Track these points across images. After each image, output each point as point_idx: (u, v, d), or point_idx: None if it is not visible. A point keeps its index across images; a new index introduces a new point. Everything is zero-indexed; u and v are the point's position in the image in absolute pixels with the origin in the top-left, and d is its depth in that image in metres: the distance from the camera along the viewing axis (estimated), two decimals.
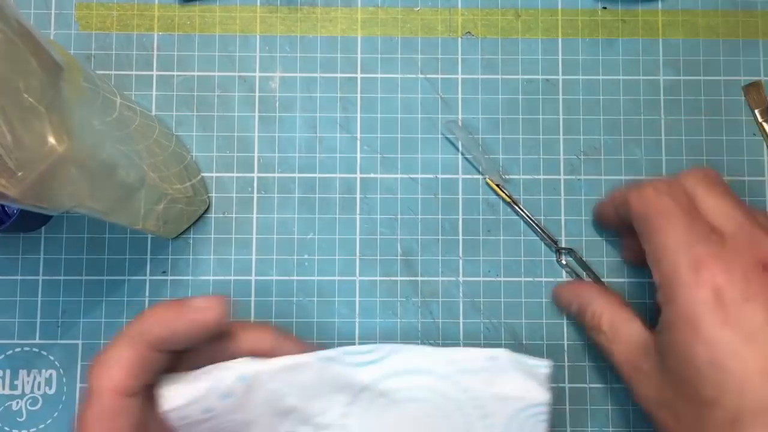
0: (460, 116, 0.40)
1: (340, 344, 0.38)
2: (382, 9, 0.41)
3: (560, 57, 0.40)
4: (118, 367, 0.28)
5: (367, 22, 0.40)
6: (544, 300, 0.39)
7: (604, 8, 0.41)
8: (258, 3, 0.41)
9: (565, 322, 0.39)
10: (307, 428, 0.32)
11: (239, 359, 0.31)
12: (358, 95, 0.40)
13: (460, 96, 0.40)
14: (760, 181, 0.40)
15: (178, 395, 0.30)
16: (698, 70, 0.41)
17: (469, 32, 0.41)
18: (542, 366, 0.32)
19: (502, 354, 0.32)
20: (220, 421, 0.30)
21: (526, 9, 0.41)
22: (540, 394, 0.32)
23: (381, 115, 0.40)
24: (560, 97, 0.40)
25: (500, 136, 0.40)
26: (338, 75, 0.40)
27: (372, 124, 0.40)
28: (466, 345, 0.39)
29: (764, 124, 0.40)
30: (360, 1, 0.41)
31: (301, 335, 0.38)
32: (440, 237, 0.39)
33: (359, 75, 0.40)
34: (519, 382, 0.32)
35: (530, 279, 0.39)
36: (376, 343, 0.38)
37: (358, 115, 0.40)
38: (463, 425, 0.32)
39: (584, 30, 0.41)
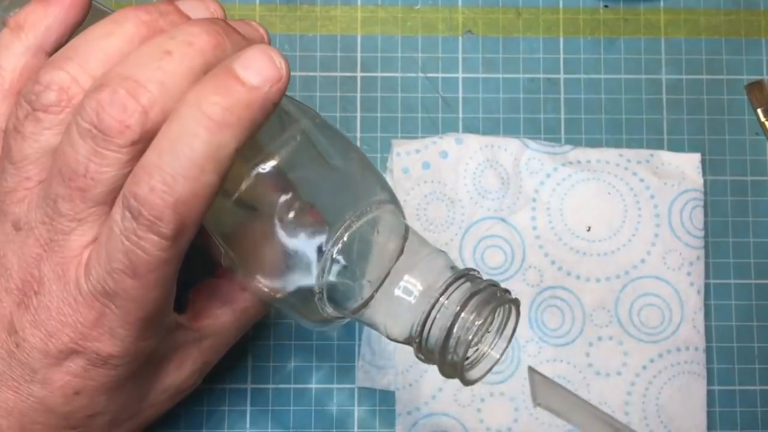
0: (460, 115, 0.40)
1: (340, 345, 0.38)
2: (382, 7, 0.40)
3: (561, 56, 0.40)
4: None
5: (367, 20, 0.40)
6: None
7: (606, 7, 0.41)
8: (257, 2, 0.40)
9: None
10: (500, 216, 0.38)
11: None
12: (358, 94, 0.40)
13: (460, 95, 0.40)
14: (763, 181, 0.40)
15: (404, 142, 0.38)
16: (700, 69, 0.40)
17: (469, 31, 0.40)
18: (695, 156, 0.38)
19: (661, 151, 0.39)
20: (433, 188, 0.38)
21: (527, 7, 0.40)
22: (695, 180, 0.38)
23: (381, 115, 0.40)
24: (561, 96, 0.40)
25: (501, 136, 0.39)
26: (338, 74, 0.40)
27: (372, 124, 0.39)
28: None
29: (767, 123, 0.40)
30: (360, 0, 0.40)
31: (301, 335, 0.38)
32: None
33: (359, 74, 0.40)
34: (677, 170, 0.38)
35: None
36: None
37: (358, 115, 0.40)
38: (635, 203, 0.38)
39: (586, 29, 0.40)
